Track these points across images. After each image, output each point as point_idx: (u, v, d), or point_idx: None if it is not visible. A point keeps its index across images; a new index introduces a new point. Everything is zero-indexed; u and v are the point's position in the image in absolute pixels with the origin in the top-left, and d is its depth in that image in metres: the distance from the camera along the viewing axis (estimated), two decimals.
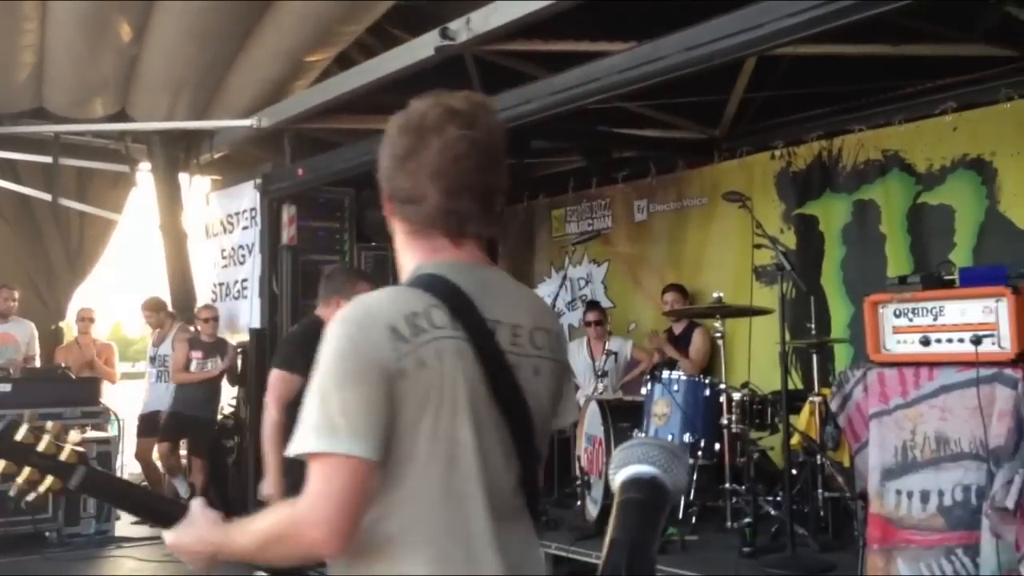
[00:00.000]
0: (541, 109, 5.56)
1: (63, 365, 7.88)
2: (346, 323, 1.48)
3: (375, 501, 1.47)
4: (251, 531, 1.54)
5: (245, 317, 8.17)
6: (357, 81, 6.70)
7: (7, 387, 7.08)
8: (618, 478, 1.14)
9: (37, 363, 8.06)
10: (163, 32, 7.12)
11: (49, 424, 1.68)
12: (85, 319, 8.64)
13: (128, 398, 8.94)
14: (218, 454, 8.08)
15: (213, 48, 7.28)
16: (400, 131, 1.60)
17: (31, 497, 1.65)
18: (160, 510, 1.69)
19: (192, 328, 8.26)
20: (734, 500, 5.16)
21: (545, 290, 8.58)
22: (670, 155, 7.58)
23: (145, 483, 8.39)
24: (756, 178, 6.94)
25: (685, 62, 4.68)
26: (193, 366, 7.79)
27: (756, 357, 5.32)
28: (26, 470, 1.62)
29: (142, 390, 8.57)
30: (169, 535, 1.65)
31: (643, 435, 5.20)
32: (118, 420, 8.16)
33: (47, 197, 8.72)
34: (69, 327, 8.99)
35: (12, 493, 1.64)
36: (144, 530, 7.75)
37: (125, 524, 7.81)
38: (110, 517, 7.40)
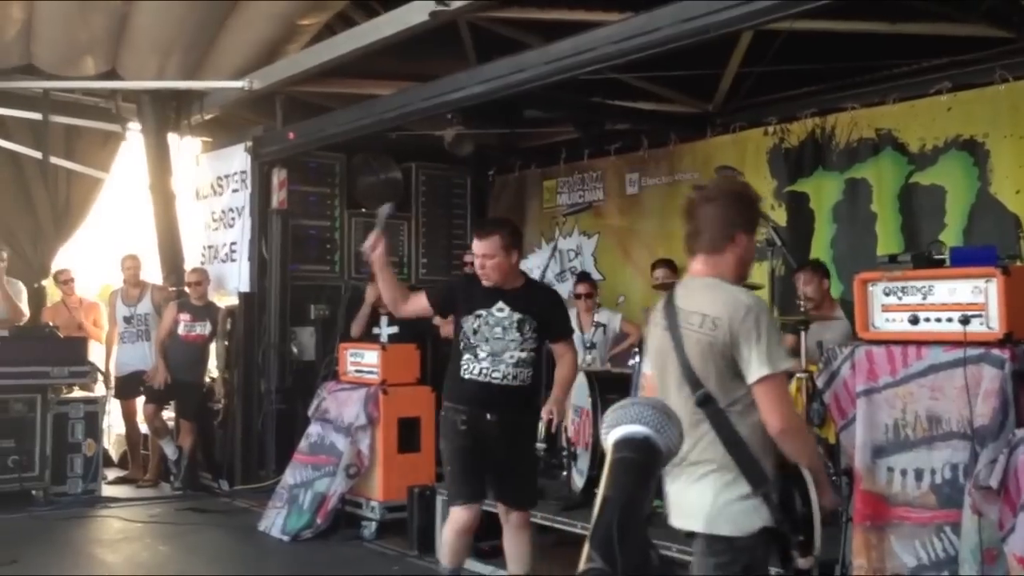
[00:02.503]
0: (534, 78, 5.54)
1: (51, 324, 7.84)
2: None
3: None
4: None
5: (234, 280, 8.15)
6: (350, 45, 6.65)
7: None
8: (610, 438, 1.14)
9: (23, 321, 8.00)
10: None
11: None
12: (65, 281, 8.57)
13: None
14: (205, 417, 8.08)
15: (204, 8, 7.20)
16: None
17: None
18: None
19: (173, 289, 8.23)
20: None
21: (535, 261, 8.57)
22: (663, 128, 7.57)
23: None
24: (749, 154, 6.94)
25: (680, 34, 4.66)
26: (181, 329, 7.77)
27: None
28: None
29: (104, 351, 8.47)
30: None
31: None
32: (105, 379, 8.15)
33: (37, 155, 8.63)
34: (51, 286, 8.92)
35: None
36: (129, 490, 7.79)
37: (112, 485, 7.85)
38: (97, 477, 7.42)
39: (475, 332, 4.33)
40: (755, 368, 2.59)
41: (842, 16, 5.24)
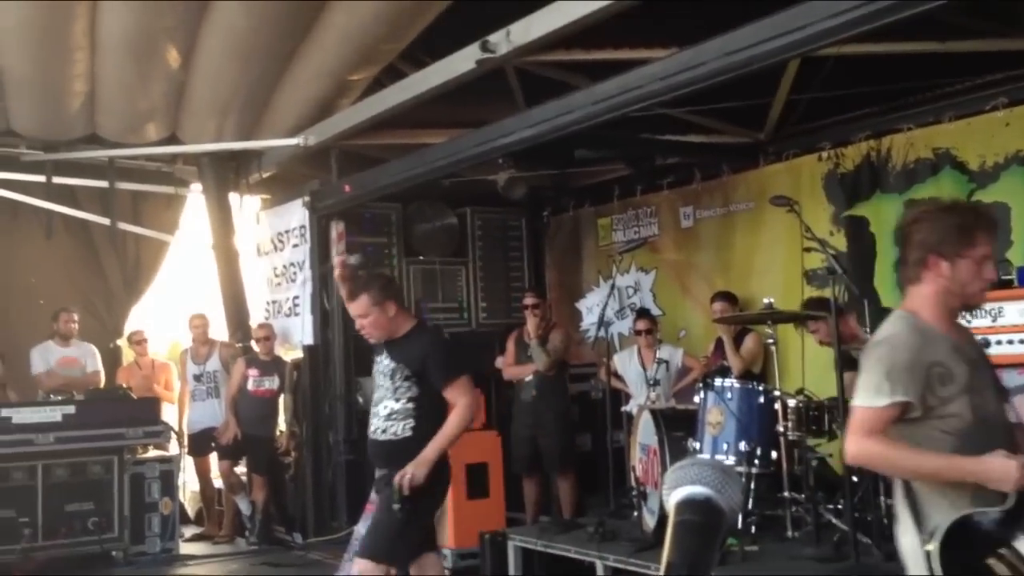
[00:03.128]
0: (584, 119, 5.57)
1: (124, 386, 8.04)
2: None
3: None
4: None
5: (298, 334, 8.28)
6: (400, 97, 6.77)
7: (71, 408, 7.25)
8: (672, 499, 1.14)
9: (101, 384, 8.21)
10: (209, 56, 7.25)
11: None
12: (138, 342, 8.80)
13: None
14: (277, 471, 8.18)
15: (257, 69, 7.40)
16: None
17: None
18: None
19: (239, 346, 8.38)
20: (794, 509, 5.09)
21: (593, 299, 8.58)
22: (715, 160, 7.54)
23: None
24: (803, 181, 6.86)
25: (726, 67, 4.65)
26: (250, 384, 7.91)
27: (810, 363, 5.26)
28: None
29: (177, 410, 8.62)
30: None
31: (697, 445, 5.16)
32: (179, 439, 8.30)
33: (105, 221, 8.93)
34: (126, 347, 9.16)
35: None
36: (206, 547, 7.89)
37: (188, 542, 7.96)
38: (174, 535, 7.54)
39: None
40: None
41: (890, 38, 5.18)
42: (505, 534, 5.92)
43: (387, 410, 4.15)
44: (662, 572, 1.08)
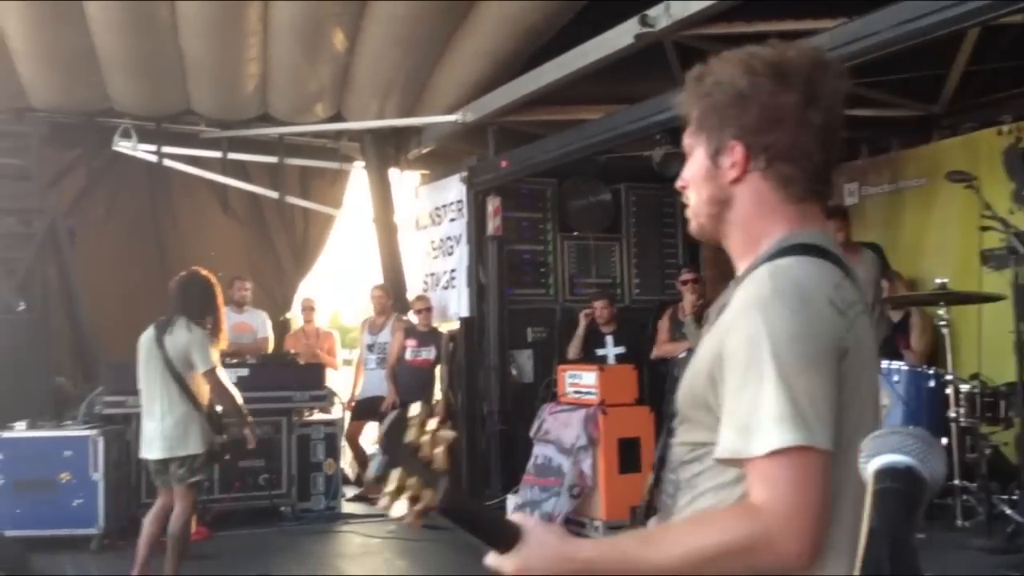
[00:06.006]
0: None
1: (292, 352, 8.47)
2: (783, 298, 1.30)
3: None
4: (682, 543, 1.31)
5: (454, 306, 8.50)
6: (557, 73, 6.81)
7: (245, 371, 7.70)
8: (871, 467, 1.11)
9: (270, 350, 8.68)
10: (372, 41, 7.52)
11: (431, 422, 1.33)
12: (307, 308, 9.26)
13: (346, 384, 9.44)
14: None
15: (417, 53, 7.63)
16: (779, 79, 1.42)
17: (413, 518, 1.30)
18: (498, 530, 1.41)
19: (405, 318, 8.67)
20: (964, 498, 4.90)
21: None
22: (883, 135, 7.26)
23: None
24: (981, 156, 6.51)
25: (898, 37, 4.47)
26: (408, 354, 8.18)
27: (987, 347, 5.02)
28: (412, 481, 1.30)
29: (353, 375, 9.00)
30: (511, 560, 1.38)
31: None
32: (342, 403, 8.69)
33: (274, 195, 9.40)
34: (295, 318, 9.63)
35: (401, 512, 1.31)
36: (366, 507, 8.24)
37: (349, 502, 8.33)
38: (337, 495, 7.91)
39: None
40: None
41: None
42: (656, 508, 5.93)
43: None
44: (863, 542, 1.08)
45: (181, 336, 5.28)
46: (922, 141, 7.01)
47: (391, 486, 1.27)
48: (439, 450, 1.30)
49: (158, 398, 5.27)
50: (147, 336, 5.41)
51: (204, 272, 5.58)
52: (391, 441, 1.29)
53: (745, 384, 1.27)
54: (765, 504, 1.24)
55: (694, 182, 1.50)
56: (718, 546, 1.27)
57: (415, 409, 1.33)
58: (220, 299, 5.58)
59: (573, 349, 7.73)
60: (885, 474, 1.09)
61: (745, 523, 1.26)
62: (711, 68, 1.49)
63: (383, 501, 1.30)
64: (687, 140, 1.52)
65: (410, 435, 1.29)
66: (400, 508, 1.28)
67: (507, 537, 1.38)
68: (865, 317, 1.37)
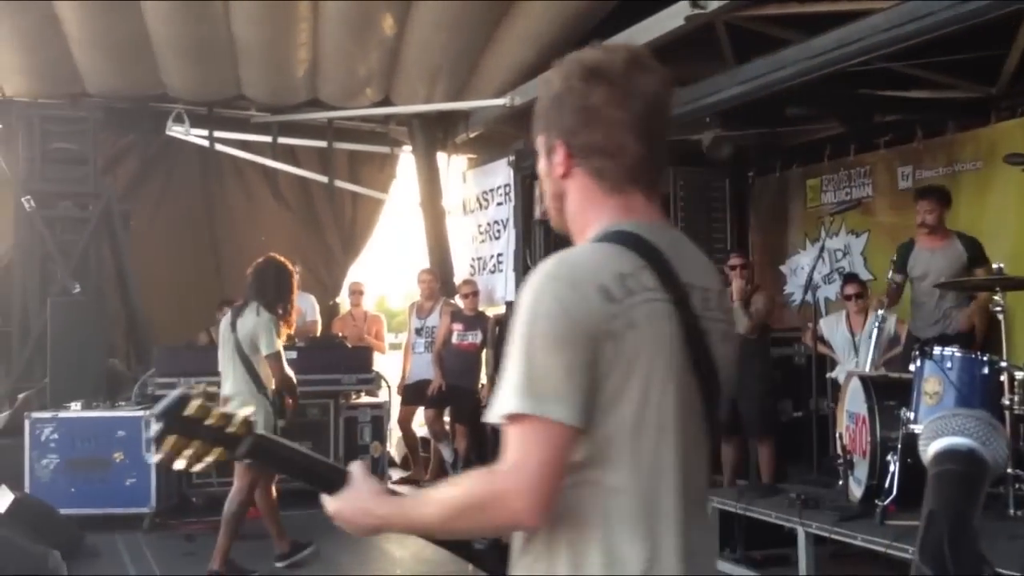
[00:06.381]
0: (796, 75, 5.39)
1: (340, 335, 8.55)
2: (554, 281, 1.40)
3: (579, 473, 1.41)
4: (439, 500, 1.46)
5: (501, 290, 8.51)
6: None
7: (293, 354, 7.77)
8: (931, 449, 1.10)
9: (318, 333, 8.77)
10: (421, 24, 7.54)
11: (220, 396, 1.72)
12: (356, 292, 9.32)
13: (393, 367, 9.51)
14: (479, 421, 8.48)
15: (466, 37, 7.63)
16: (589, 80, 1.51)
17: (197, 468, 1.65)
18: (324, 476, 1.66)
19: (453, 302, 8.71)
20: (1017, 487, 4.79)
21: (798, 262, 8.33)
22: (939, 117, 7.09)
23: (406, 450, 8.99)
24: None
25: (956, 17, 4.38)
26: (454, 338, 8.22)
27: None
28: (195, 443, 1.62)
29: (401, 359, 9.03)
30: (330, 502, 1.59)
31: (911, 415, 4.94)
32: (388, 386, 8.75)
33: (324, 179, 9.48)
34: (343, 302, 9.72)
35: (181, 466, 1.64)
36: (412, 490, 8.30)
37: (395, 484, 8.40)
38: (383, 477, 7.97)
39: None
40: None
41: None
42: None
43: None
44: (923, 522, 1.06)
45: (250, 320, 5.43)
46: (979, 123, 6.84)
47: (165, 448, 1.60)
48: (238, 417, 1.64)
49: (229, 379, 5.43)
50: (225, 319, 5.64)
51: (281, 258, 5.75)
52: (169, 417, 1.60)
53: (508, 356, 1.41)
54: (501, 465, 1.38)
55: (541, 180, 1.63)
56: (463, 503, 1.42)
57: (197, 389, 1.65)
58: (294, 286, 5.71)
59: None
60: (945, 456, 1.08)
61: (485, 482, 1.41)
62: (547, 74, 1.60)
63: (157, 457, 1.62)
64: (537, 141, 1.63)
65: (190, 410, 1.61)
66: (178, 464, 1.62)
67: (335, 481, 1.61)
68: (659, 305, 1.42)
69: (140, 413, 7.00)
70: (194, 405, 1.61)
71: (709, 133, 6.91)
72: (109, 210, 8.28)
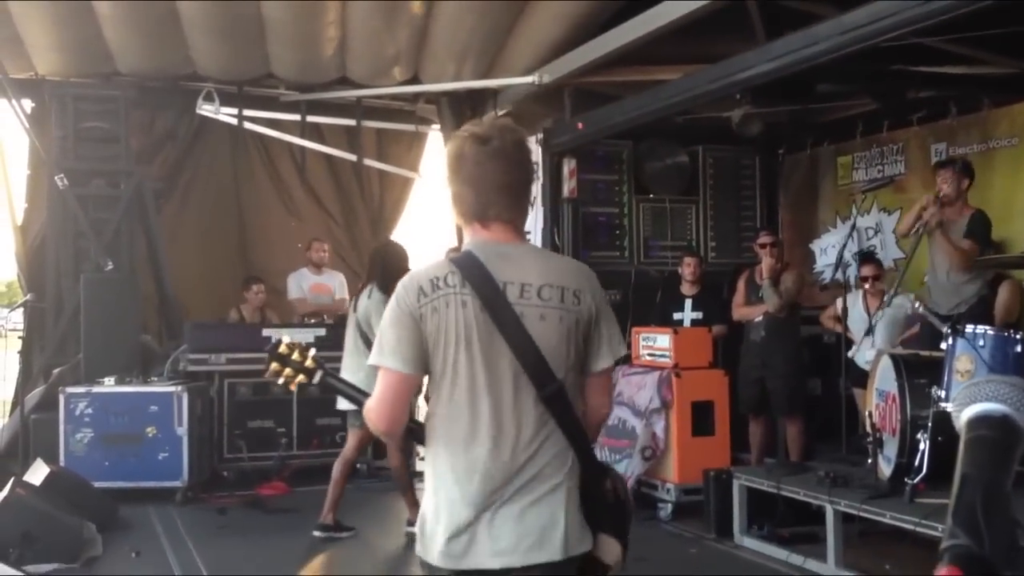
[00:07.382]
0: (828, 51, 5.31)
1: None
2: (401, 286, 2.18)
3: (430, 407, 2.19)
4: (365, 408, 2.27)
5: None
6: (635, 33, 6.69)
7: (322, 331, 7.86)
8: (964, 415, 1.10)
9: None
10: (449, 3, 7.51)
11: (301, 342, 2.55)
12: None
13: None
14: None
15: (495, 14, 7.59)
16: (450, 160, 2.24)
17: (292, 387, 2.51)
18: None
19: None
20: None
21: (829, 240, 8.27)
22: (974, 93, 6.98)
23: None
24: None
25: None
26: None
27: None
28: (287, 370, 2.48)
29: None
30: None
31: (942, 393, 4.90)
32: None
33: (352, 158, 9.50)
34: None
35: (281, 382, 2.50)
36: None
37: (423, 461, 8.45)
38: (411, 454, 8.02)
39: None
40: (609, 352, 2.24)
41: None
42: (731, 472, 5.90)
43: None
44: (956, 486, 1.06)
45: (365, 300, 5.89)
46: (1016, 99, 6.73)
47: (270, 370, 2.52)
48: (311, 355, 2.50)
49: (351, 354, 5.92)
50: (353, 301, 6.17)
51: (396, 242, 6.28)
52: (271, 351, 2.52)
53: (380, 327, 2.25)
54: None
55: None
56: (365, 412, 2.26)
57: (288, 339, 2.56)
58: (406, 268, 5.86)
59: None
60: (979, 422, 1.07)
61: (367, 402, 2.25)
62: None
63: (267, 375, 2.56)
64: None
65: (282, 348, 2.51)
66: (281, 381, 2.51)
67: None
68: (456, 296, 2.12)
69: (172, 388, 7.10)
70: (284, 344, 2.50)
71: (739, 110, 6.86)
72: (141, 188, 8.36)
